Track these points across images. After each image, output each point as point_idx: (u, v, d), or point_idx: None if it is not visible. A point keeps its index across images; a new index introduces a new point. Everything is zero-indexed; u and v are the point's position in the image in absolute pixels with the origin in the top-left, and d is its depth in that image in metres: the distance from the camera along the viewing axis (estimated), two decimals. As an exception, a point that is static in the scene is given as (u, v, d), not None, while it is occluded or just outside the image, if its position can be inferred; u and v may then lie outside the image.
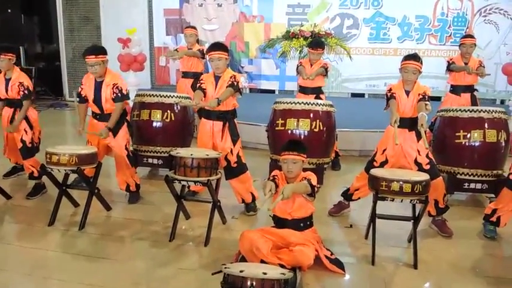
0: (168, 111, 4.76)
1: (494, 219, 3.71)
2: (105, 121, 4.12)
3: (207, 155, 3.42)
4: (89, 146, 4.16)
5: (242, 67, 10.05)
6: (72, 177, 4.15)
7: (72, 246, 3.47)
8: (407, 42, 9.38)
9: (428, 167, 3.63)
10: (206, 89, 3.84)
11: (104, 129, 4.03)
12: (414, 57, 3.69)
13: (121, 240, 3.60)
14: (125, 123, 4.23)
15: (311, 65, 5.37)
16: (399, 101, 3.68)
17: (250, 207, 4.08)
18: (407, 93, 3.69)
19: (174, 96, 4.83)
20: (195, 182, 3.44)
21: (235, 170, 3.98)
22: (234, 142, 3.93)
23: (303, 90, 5.44)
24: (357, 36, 9.52)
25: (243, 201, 4.08)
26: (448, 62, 5.52)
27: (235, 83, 3.82)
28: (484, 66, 5.42)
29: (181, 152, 3.45)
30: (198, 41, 6.10)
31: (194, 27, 6.19)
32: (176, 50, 6.24)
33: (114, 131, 4.13)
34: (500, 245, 3.69)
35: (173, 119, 4.77)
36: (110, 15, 9.95)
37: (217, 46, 3.87)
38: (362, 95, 9.76)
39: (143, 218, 4.01)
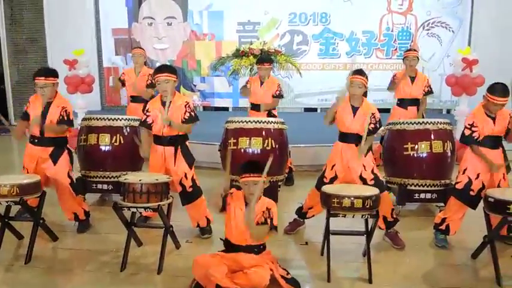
0: (117, 134, 4.64)
1: (443, 227, 3.81)
2: (43, 145, 3.97)
3: (157, 179, 3.33)
4: (31, 174, 3.96)
5: (194, 85, 10.01)
6: (16, 208, 3.93)
7: (18, 282, 3.28)
8: (356, 57, 9.61)
9: (372, 182, 3.67)
10: (154, 122, 3.77)
11: (37, 118, 3.86)
12: (360, 72, 3.75)
13: (70, 272, 3.43)
14: (66, 151, 4.07)
15: (261, 83, 5.36)
16: (342, 115, 3.72)
17: (205, 230, 4.00)
18: (355, 109, 3.73)
19: (122, 119, 4.72)
20: (144, 208, 3.34)
21: (191, 195, 3.88)
22: (190, 166, 3.86)
23: (255, 107, 5.44)
24: (307, 52, 9.69)
25: (198, 225, 3.99)
26: (392, 80, 5.62)
27: (193, 114, 3.77)
28: (430, 86, 5.55)
29: (129, 177, 3.35)
30: (146, 63, 5.96)
31: (142, 48, 6.08)
32: (119, 78, 6.04)
33: (54, 158, 3.97)
34: (452, 254, 3.78)
35: (122, 142, 4.64)
36: (57, 37, 9.72)
37: (164, 68, 3.79)
38: (315, 110, 9.91)
39: (93, 247, 3.85)
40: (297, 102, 9.88)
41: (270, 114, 5.29)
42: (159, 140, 3.84)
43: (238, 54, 6.81)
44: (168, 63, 7.26)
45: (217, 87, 9.96)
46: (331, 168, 3.82)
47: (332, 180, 3.80)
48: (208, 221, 3.99)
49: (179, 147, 3.82)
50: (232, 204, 3.07)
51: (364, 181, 3.69)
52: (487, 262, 3.49)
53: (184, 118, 3.74)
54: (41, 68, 4.03)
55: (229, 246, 3.09)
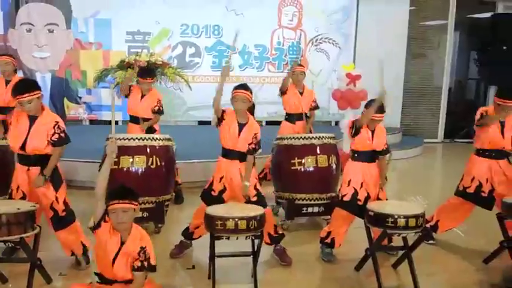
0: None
1: (329, 240, 3.86)
2: None
3: (19, 208, 2.95)
4: None
5: (80, 97, 9.35)
6: None
7: None
8: (249, 70, 9.71)
9: (255, 199, 3.62)
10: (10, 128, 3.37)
11: None
12: (243, 86, 3.68)
13: None
14: None
15: (142, 96, 5.10)
16: (227, 131, 3.63)
17: (81, 260, 3.63)
18: (241, 126, 3.65)
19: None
20: (4, 242, 2.92)
21: (64, 220, 3.50)
22: (56, 189, 3.47)
23: (134, 120, 5.16)
24: (200, 65, 9.58)
25: (73, 253, 3.62)
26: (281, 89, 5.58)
27: (63, 136, 3.40)
28: (315, 101, 5.62)
29: (-15, 208, 2.93)
30: (16, 71, 5.34)
31: (11, 55, 5.42)
32: None
33: None
34: (338, 267, 3.83)
35: (-17, 164, 4.10)
36: None
37: (23, 88, 3.33)
38: (209, 123, 9.78)
39: None
40: (190, 115, 9.71)
41: (150, 129, 5.04)
42: (23, 159, 3.43)
43: (123, 65, 6.44)
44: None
45: (105, 100, 9.39)
46: (220, 181, 3.69)
47: (221, 193, 3.67)
48: (85, 248, 3.62)
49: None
50: (102, 235, 2.76)
51: (247, 198, 3.61)
52: (370, 273, 3.57)
53: (52, 140, 3.36)
54: None
55: (103, 280, 2.79)
